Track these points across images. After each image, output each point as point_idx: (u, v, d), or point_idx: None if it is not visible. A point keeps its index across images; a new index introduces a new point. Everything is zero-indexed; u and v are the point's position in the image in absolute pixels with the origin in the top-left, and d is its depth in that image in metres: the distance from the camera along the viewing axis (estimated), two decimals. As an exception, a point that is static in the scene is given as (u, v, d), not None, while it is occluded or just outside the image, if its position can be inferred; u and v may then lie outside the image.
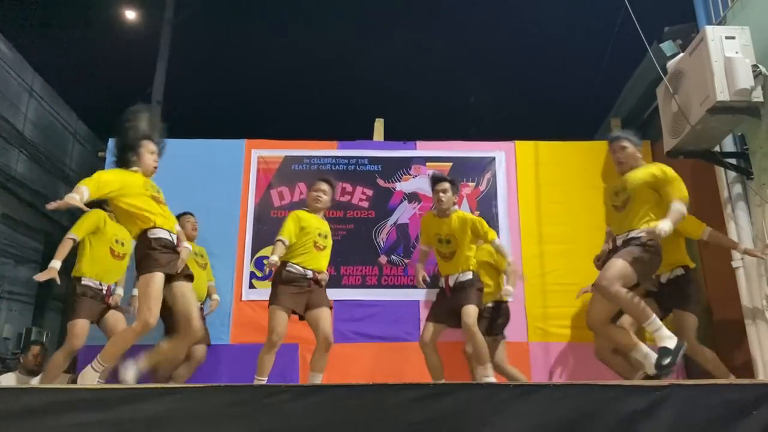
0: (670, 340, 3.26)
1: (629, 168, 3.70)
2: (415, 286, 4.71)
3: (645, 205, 3.54)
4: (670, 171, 3.55)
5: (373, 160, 5.81)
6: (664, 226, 3.28)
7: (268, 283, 4.43)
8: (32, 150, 8.06)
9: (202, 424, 2.44)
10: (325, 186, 4.40)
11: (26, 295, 8.14)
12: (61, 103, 8.99)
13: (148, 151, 3.64)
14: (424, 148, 5.87)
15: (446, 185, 4.37)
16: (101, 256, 4.37)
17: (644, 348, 3.34)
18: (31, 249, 8.15)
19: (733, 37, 4.08)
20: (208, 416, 2.45)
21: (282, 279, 4.14)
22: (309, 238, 4.21)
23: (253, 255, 5.43)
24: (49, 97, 8.64)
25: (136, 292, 4.21)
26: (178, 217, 4.79)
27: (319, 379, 4.12)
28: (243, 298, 5.30)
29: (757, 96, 3.98)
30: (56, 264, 4.01)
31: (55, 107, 8.78)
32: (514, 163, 5.80)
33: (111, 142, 6.05)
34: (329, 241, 4.37)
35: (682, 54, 4.54)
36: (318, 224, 4.31)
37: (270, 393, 2.53)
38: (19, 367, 5.22)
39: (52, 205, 3.08)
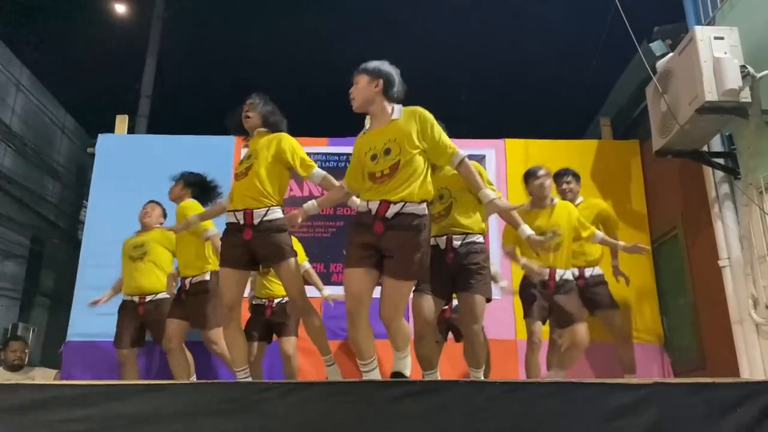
0: None
1: None
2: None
3: None
4: None
5: (363, 157, 5.76)
6: None
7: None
8: (19, 144, 7.97)
9: (189, 420, 2.42)
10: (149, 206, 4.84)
11: (13, 290, 8.05)
12: (49, 97, 8.89)
13: None
14: (414, 145, 5.84)
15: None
16: None
17: None
18: (17, 244, 8.06)
19: (722, 38, 4.10)
20: (195, 413, 2.43)
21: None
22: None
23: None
24: (37, 91, 8.54)
25: None
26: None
27: None
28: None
29: (745, 96, 4.01)
30: None
31: (43, 101, 8.69)
32: (504, 161, 5.80)
33: (100, 138, 6.03)
34: (151, 246, 4.57)
35: (671, 54, 4.56)
36: (132, 240, 4.69)
37: (258, 390, 2.52)
38: (2, 363, 5.23)
39: None
